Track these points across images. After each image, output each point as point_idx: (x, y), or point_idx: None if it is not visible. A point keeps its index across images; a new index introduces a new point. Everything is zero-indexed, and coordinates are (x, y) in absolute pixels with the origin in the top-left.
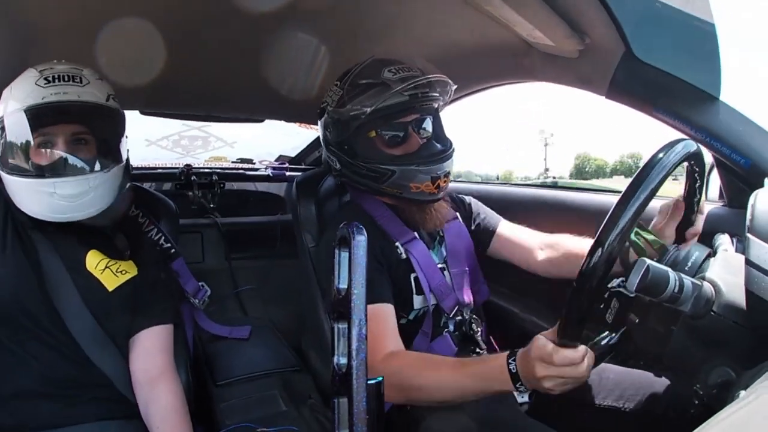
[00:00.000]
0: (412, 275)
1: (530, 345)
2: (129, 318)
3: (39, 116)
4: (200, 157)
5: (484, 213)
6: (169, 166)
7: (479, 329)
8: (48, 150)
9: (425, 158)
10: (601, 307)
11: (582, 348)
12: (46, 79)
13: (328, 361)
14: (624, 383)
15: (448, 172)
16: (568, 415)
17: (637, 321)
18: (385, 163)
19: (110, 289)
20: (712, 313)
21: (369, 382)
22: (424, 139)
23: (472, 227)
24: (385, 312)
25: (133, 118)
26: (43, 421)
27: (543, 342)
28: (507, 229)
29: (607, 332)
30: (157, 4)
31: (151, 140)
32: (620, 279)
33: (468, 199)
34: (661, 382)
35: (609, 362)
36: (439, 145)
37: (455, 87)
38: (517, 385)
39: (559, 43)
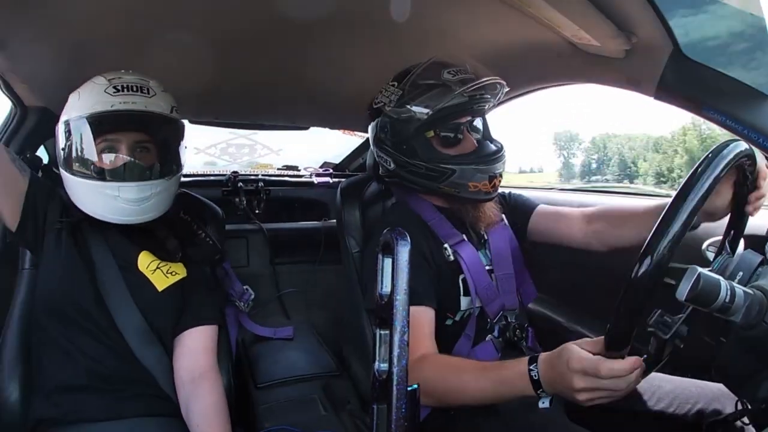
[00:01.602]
0: (461, 277)
1: (562, 354)
2: (177, 318)
3: (107, 123)
4: (247, 164)
5: (524, 198)
6: (216, 173)
7: (524, 335)
8: (113, 155)
9: (483, 158)
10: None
11: (632, 359)
12: (115, 87)
13: (369, 367)
14: (676, 391)
15: (502, 172)
16: (611, 421)
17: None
18: (445, 162)
19: (160, 289)
20: (764, 323)
21: (408, 388)
22: (476, 139)
23: (511, 215)
24: (423, 315)
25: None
26: (86, 414)
27: (582, 353)
28: (545, 208)
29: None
30: (204, 15)
31: (200, 148)
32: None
33: (508, 194)
34: (714, 393)
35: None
36: (493, 146)
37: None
38: (539, 392)
39: (605, 44)
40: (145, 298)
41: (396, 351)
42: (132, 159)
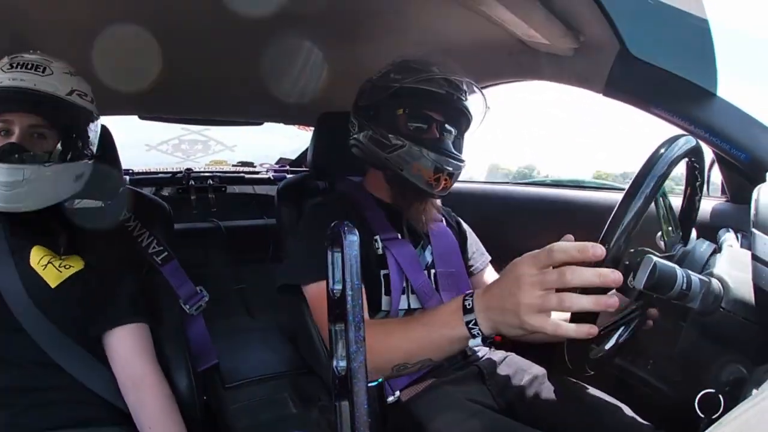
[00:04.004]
0: (383, 272)
1: (509, 266)
2: (83, 315)
3: None
4: (201, 161)
5: (477, 246)
6: (169, 170)
7: None
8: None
9: (436, 148)
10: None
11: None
12: (10, 64)
13: (320, 364)
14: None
15: (452, 174)
16: None
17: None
18: (399, 135)
19: (53, 285)
20: (721, 309)
21: (370, 384)
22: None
23: (462, 245)
24: None
25: (132, 122)
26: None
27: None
28: (490, 275)
29: (617, 330)
30: (155, 9)
31: (151, 145)
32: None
33: (464, 225)
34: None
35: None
36: (453, 148)
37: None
38: (470, 325)
39: (554, 42)
40: (39, 295)
41: (353, 346)
42: (15, 140)
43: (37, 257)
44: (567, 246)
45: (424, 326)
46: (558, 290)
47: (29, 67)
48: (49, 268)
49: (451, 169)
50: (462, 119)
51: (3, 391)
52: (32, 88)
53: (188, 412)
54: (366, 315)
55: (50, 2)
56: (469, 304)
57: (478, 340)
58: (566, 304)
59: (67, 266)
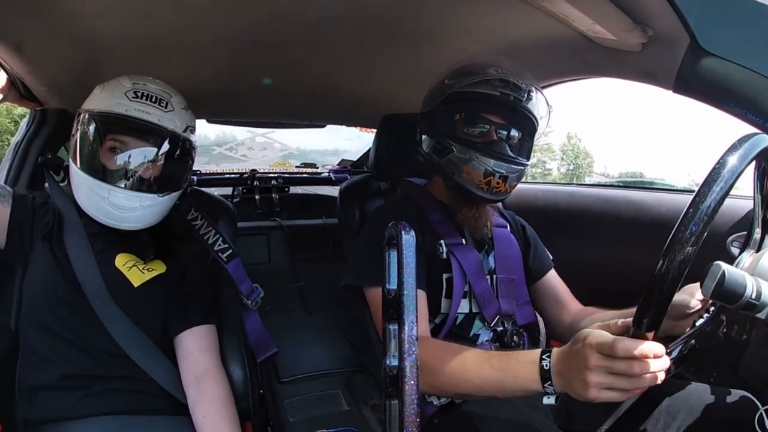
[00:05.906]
0: (445, 276)
1: (580, 335)
2: (161, 315)
3: (117, 125)
4: (265, 162)
5: (541, 249)
6: (235, 171)
7: (522, 342)
8: (117, 157)
9: (489, 151)
10: None
11: (659, 345)
12: (135, 93)
13: (375, 363)
14: (690, 401)
15: (506, 177)
16: None
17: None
18: (451, 138)
19: (136, 284)
20: None
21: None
22: (508, 143)
23: (524, 249)
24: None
25: (200, 126)
26: (64, 412)
27: (602, 332)
28: (555, 277)
29: (679, 342)
30: (219, 16)
31: (218, 147)
32: None
33: (529, 229)
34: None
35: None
36: (510, 151)
37: (552, 111)
38: (546, 385)
39: (620, 37)
40: (121, 293)
41: (406, 346)
42: (132, 167)
43: (123, 260)
44: (631, 349)
45: (498, 372)
46: None
47: (153, 100)
48: (134, 269)
49: (503, 171)
50: (522, 120)
51: (77, 376)
52: (156, 123)
53: (242, 403)
54: (427, 318)
55: (122, 12)
56: (546, 365)
57: (552, 399)
58: (636, 386)
59: (150, 269)
